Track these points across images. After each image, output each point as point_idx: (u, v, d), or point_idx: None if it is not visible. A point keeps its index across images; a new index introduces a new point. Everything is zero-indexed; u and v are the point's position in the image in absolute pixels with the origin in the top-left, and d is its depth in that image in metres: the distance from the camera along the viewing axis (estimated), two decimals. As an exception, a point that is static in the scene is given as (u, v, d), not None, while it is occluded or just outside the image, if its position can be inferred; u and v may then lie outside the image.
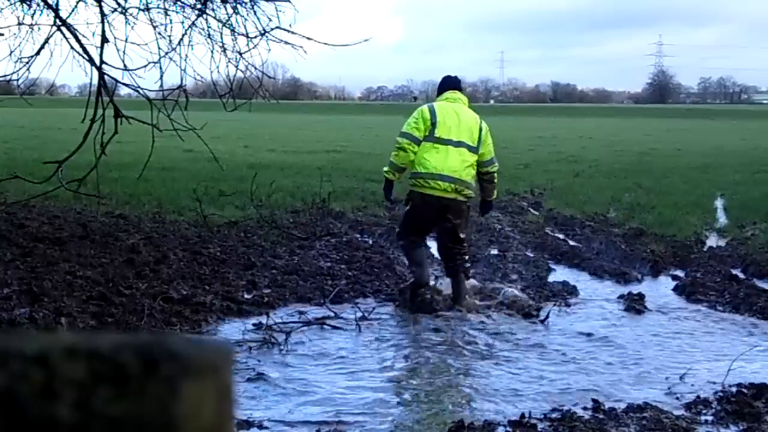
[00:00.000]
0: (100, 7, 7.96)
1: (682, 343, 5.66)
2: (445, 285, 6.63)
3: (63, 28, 7.90)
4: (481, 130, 6.56)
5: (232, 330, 5.69)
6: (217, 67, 8.35)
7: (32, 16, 8.42)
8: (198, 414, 0.53)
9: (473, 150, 6.47)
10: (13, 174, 8.81)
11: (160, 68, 8.04)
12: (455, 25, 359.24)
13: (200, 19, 8.32)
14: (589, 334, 5.80)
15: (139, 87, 8.13)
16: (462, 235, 6.55)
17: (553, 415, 4.20)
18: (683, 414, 4.27)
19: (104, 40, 7.71)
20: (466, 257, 6.67)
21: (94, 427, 0.50)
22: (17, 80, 8.52)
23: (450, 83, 6.83)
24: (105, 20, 7.85)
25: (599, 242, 9.34)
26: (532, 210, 12.32)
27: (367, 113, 65.63)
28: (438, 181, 6.36)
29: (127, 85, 8.12)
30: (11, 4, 8.55)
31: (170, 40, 8.25)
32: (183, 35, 8.20)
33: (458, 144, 6.41)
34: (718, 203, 12.88)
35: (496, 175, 6.76)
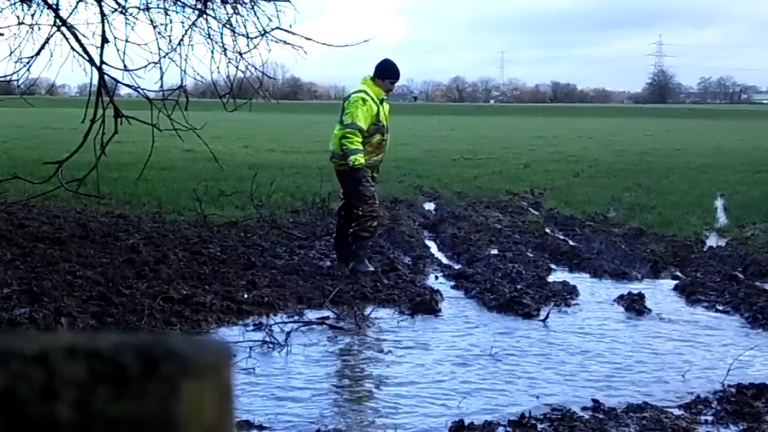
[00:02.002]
0: (100, 7, 7.96)
1: (681, 343, 5.66)
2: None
3: (63, 28, 7.90)
4: (344, 100, 7.48)
5: (231, 330, 5.69)
6: (218, 67, 8.37)
7: (32, 16, 8.42)
8: (198, 414, 0.53)
9: (340, 121, 7.41)
10: (13, 174, 8.81)
11: (160, 68, 8.05)
12: (456, 25, 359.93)
13: (200, 19, 8.34)
14: (588, 334, 5.80)
15: (139, 87, 8.15)
16: (354, 200, 7.43)
17: (553, 415, 4.20)
18: (683, 414, 4.27)
19: (104, 40, 7.72)
20: (358, 227, 7.43)
21: (94, 427, 0.50)
22: (17, 80, 8.53)
23: (376, 69, 7.51)
24: (105, 20, 7.86)
25: (599, 242, 9.33)
26: (532, 210, 12.32)
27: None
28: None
29: (127, 85, 8.14)
30: (11, 4, 8.56)
31: (170, 40, 8.27)
32: (183, 35, 8.22)
33: (337, 121, 7.45)
34: (718, 203, 12.88)
35: (345, 140, 7.29)
